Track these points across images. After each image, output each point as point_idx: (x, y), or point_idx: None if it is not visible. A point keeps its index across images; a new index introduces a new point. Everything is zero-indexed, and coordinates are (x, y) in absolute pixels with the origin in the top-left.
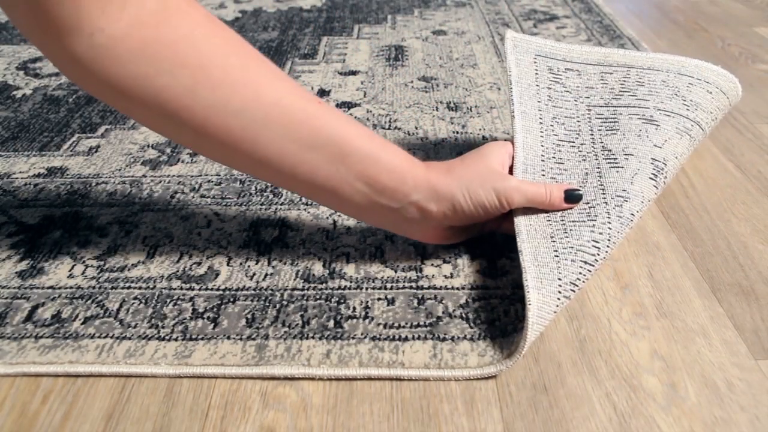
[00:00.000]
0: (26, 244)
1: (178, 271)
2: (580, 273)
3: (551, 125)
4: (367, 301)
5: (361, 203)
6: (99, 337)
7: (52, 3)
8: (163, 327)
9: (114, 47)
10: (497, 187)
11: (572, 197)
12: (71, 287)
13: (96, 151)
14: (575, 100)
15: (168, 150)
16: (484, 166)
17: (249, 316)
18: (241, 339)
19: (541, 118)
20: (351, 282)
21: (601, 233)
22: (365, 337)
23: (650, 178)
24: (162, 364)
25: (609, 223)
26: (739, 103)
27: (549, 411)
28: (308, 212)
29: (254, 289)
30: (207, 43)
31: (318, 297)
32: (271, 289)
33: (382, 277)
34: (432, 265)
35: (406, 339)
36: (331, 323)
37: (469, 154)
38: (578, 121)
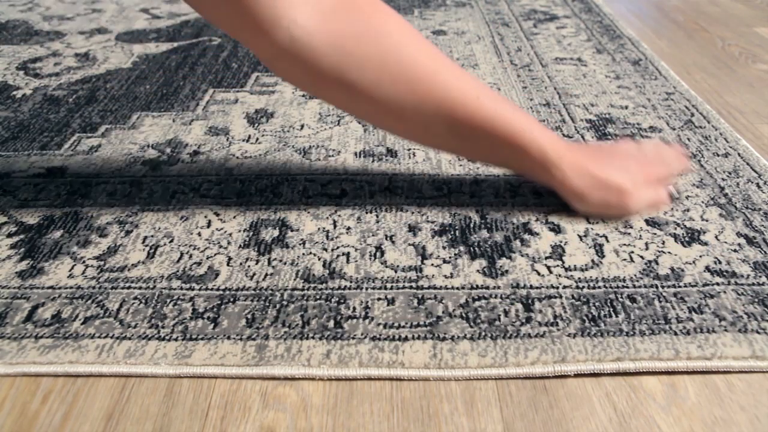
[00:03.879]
0: (26, 244)
1: (178, 271)
2: None
3: None
4: (367, 301)
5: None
6: (99, 337)
7: (251, 2)
8: (163, 327)
9: (310, 39)
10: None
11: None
12: (71, 287)
13: (96, 151)
14: None
15: (168, 150)
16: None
17: (249, 316)
18: (241, 339)
19: None
20: (351, 282)
21: None
22: (365, 337)
23: None
24: (162, 364)
25: None
26: (739, 103)
27: (549, 411)
28: (308, 212)
29: (254, 289)
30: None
31: (318, 297)
32: (271, 289)
33: (382, 277)
34: (432, 265)
35: (406, 339)
36: (331, 323)
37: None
38: None
